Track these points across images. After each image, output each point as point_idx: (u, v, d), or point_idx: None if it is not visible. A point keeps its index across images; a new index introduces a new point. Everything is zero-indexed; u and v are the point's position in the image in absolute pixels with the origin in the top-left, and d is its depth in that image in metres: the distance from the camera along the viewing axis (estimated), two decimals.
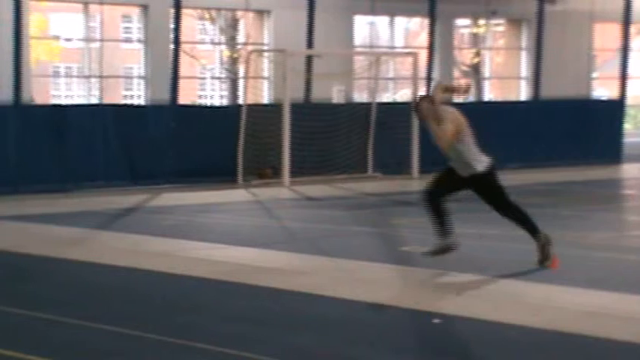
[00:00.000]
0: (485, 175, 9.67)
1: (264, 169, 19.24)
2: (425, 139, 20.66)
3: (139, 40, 21.04)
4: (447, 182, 9.80)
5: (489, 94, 26.45)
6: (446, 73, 24.05)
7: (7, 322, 7.70)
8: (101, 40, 20.95)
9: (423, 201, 9.79)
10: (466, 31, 26.46)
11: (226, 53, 24.76)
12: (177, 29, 18.94)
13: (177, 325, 7.60)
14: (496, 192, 9.77)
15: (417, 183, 19.65)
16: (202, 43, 23.56)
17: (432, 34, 22.34)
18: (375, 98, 21.27)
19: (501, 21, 25.85)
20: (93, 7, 20.01)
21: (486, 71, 26.27)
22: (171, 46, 19.26)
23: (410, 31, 27.57)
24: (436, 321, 7.71)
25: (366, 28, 25.17)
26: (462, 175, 9.72)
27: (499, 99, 26.00)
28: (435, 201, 9.73)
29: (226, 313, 8.09)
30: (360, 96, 24.51)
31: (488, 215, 14.54)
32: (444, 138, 9.48)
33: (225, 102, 22.54)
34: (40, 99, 20.25)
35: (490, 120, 22.54)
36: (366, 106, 20.64)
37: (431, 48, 22.21)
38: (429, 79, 22.16)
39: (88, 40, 20.52)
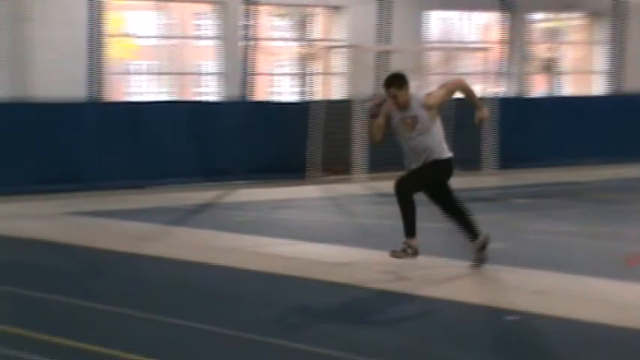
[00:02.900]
0: (436, 162, 9.06)
1: (336, 166, 19.21)
2: (500, 134, 20.64)
3: (213, 37, 21.18)
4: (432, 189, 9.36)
5: (566, 89, 26.03)
6: (519, 68, 23.76)
7: (83, 316, 7.78)
8: (176, 38, 21.12)
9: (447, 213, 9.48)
10: (541, 25, 26.06)
11: (299, 49, 24.80)
12: (250, 26, 19.01)
13: (250, 320, 7.60)
14: (422, 175, 9.08)
15: (490, 179, 19.47)
16: (275, 39, 23.60)
17: (505, 28, 22.07)
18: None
19: (577, 14, 25.42)
20: (167, 5, 20.21)
21: (562, 66, 25.85)
22: (245, 43, 19.34)
23: (483, 25, 27.27)
24: (509, 318, 7.59)
25: (439, 23, 24.96)
26: (413, 167, 9.16)
27: (575, 94, 25.59)
28: (450, 208, 9.41)
29: (299, 309, 8.07)
30: None
31: (564, 212, 14.41)
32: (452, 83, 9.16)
33: (297, 98, 22.56)
34: (115, 96, 20.50)
35: (568, 115, 22.24)
36: None
37: (505, 43, 21.94)
38: (504, 74, 21.91)
39: (162, 37, 20.72)
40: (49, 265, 10.13)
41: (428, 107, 8.99)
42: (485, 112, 9.32)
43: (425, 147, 9.05)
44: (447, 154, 9.19)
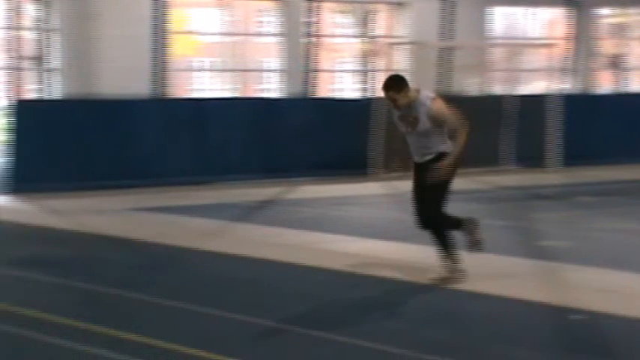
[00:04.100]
0: (446, 156, 8.76)
1: (397, 162, 19.12)
2: (564, 131, 20.38)
3: (275, 34, 21.26)
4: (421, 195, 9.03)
5: (632, 86, 25.62)
6: (585, 64, 23.44)
7: (148, 311, 7.85)
8: (238, 35, 21.22)
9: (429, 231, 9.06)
10: (607, 20, 25.69)
11: (361, 46, 24.78)
12: (312, 23, 19.02)
13: (311, 316, 7.60)
14: (442, 185, 8.79)
15: (554, 176, 19.25)
16: (337, 36, 23.62)
17: (571, 24, 21.79)
18: (511, 90, 20.92)
19: None
20: (230, 2, 20.32)
21: (629, 62, 25.45)
22: (307, 40, 19.35)
23: (548, 21, 26.99)
24: (574, 317, 7.48)
25: (503, 19, 24.77)
26: (422, 162, 8.89)
27: None
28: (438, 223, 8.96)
29: (361, 306, 8.05)
30: (499, 88, 24.16)
31: (630, 210, 14.18)
32: (464, 133, 8.69)
33: (359, 95, 22.54)
34: (178, 93, 20.68)
35: (634, 112, 21.90)
36: (501, 98, 20.31)
37: (571, 39, 21.67)
38: (569, 70, 21.64)
39: (225, 34, 20.84)
40: (115, 260, 10.24)
41: (429, 116, 8.70)
42: (444, 168, 8.76)
43: (427, 142, 8.82)
44: (445, 148, 8.89)
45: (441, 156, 8.80)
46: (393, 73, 9.25)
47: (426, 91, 8.88)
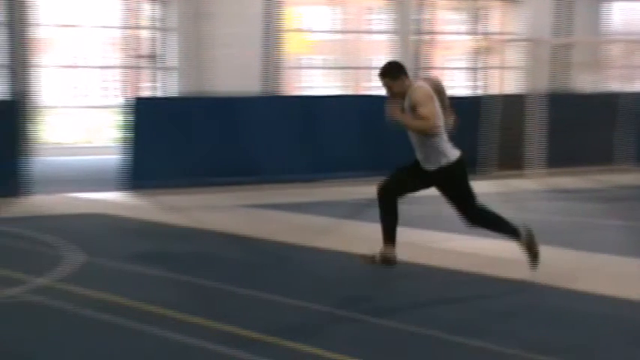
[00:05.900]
0: (453, 168, 8.66)
1: (509, 161, 18.88)
2: None
3: (387, 32, 21.24)
4: (409, 179, 8.93)
5: None
6: None
7: (258, 307, 7.92)
8: (349, 32, 21.28)
9: (378, 198, 8.89)
10: None
11: (473, 43, 24.57)
12: (424, 20, 18.95)
13: (426, 317, 7.58)
14: (463, 190, 8.74)
15: None
16: (448, 33, 23.46)
17: None
18: (628, 87, 20.45)
19: None
20: (341, 0, 20.42)
21: None
22: (418, 37, 19.28)
23: None
24: None
25: (621, 14, 24.24)
26: (427, 169, 8.74)
27: None
28: (389, 200, 8.86)
29: (474, 306, 7.99)
30: (616, 85, 23.66)
31: None
32: (429, 123, 8.49)
33: (470, 92, 22.34)
34: (289, 90, 20.82)
35: None
36: (617, 96, 19.87)
37: None
38: None
39: (335, 32, 20.92)
40: (229, 257, 10.37)
41: (410, 102, 8.60)
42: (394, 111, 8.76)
43: (421, 144, 8.75)
44: (454, 155, 8.74)
45: (442, 170, 8.65)
46: (390, 60, 9.25)
47: (420, 82, 8.70)
